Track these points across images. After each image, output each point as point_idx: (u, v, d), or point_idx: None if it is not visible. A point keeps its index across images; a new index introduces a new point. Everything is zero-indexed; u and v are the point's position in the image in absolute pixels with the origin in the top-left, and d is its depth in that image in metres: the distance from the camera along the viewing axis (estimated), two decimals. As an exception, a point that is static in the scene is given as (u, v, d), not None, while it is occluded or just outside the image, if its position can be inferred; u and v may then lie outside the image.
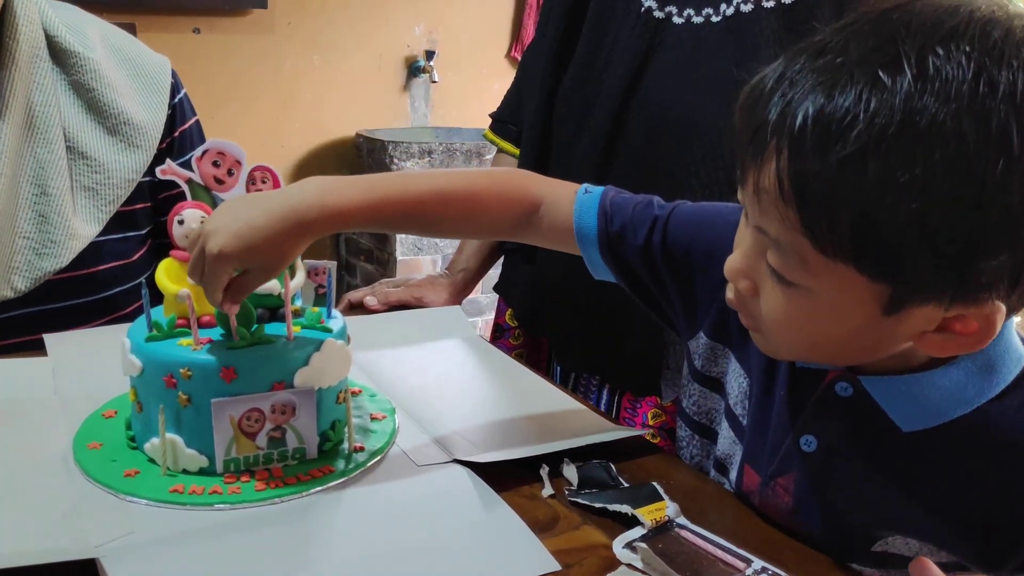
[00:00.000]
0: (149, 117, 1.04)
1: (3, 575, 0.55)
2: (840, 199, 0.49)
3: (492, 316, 1.32)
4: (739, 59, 0.92)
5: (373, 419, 0.81)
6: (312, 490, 0.69)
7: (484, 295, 2.71)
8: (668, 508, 0.68)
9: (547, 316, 1.16)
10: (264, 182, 0.75)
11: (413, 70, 2.99)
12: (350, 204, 0.69)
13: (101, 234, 1.00)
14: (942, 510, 0.60)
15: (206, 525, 0.64)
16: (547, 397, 0.91)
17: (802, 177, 0.50)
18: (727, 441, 0.75)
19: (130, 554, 0.59)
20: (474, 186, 0.75)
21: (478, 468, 0.72)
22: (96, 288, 1.02)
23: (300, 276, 0.75)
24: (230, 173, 0.74)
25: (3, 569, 0.55)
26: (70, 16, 1.02)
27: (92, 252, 1.00)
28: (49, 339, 0.93)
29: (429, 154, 2.61)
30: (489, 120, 1.28)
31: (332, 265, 0.79)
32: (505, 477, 0.72)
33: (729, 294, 0.63)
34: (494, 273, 1.29)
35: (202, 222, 0.70)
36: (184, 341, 0.71)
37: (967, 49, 0.47)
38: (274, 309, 0.75)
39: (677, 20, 0.99)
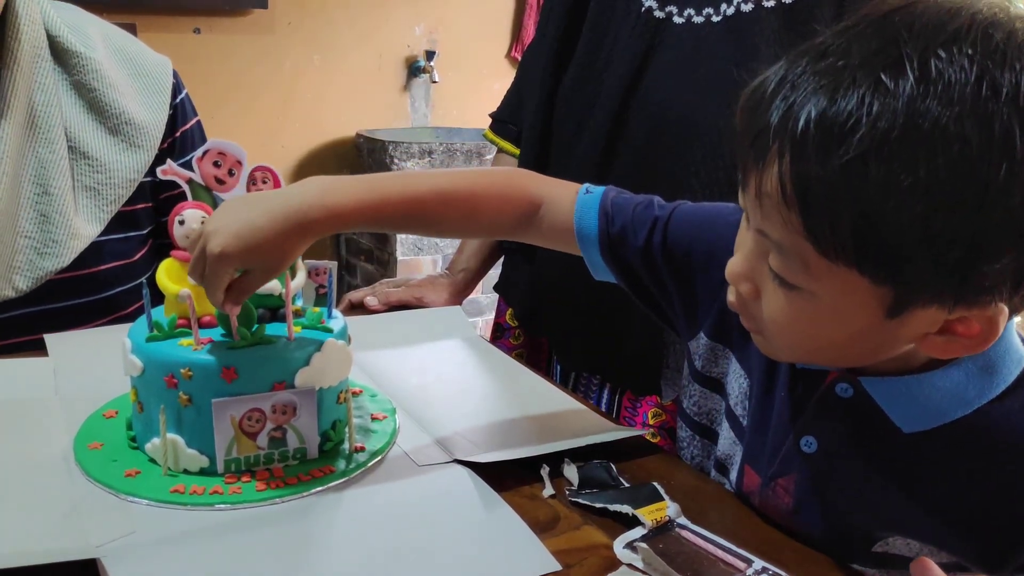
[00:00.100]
0: (150, 117, 1.04)
1: (4, 575, 0.55)
2: (843, 202, 0.49)
3: (492, 316, 1.32)
4: (739, 59, 0.92)
5: (374, 419, 0.81)
6: (313, 490, 0.69)
7: (484, 295, 2.71)
8: (669, 508, 0.68)
9: (547, 316, 1.16)
10: (265, 182, 0.75)
11: (413, 70, 2.99)
12: (351, 204, 0.69)
13: (102, 234, 1.00)
14: (942, 511, 0.60)
15: (207, 525, 0.64)
16: (547, 397, 0.91)
17: (804, 181, 0.50)
18: (727, 442, 0.75)
19: (131, 554, 0.59)
20: (475, 186, 0.75)
21: (479, 468, 0.72)
22: (97, 288, 1.02)
23: (301, 276, 0.75)
24: (231, 173, 0.74)
25: (4, 569, 0.55)
26: (71, 16, 1.02)
27: (93, 252, 1.00)
28: (50, 339, 0.93)
29: (429, 154, 2.61)
30: (489, 120, 1.28)
31: (333, 265, 0.79)
32: (506, 477, 0.72)
33: (730, 297, 0.63)
34: (494, 273, 1.29)
35: (203, 222, 0.70)
36: (185, 341, 0.71)
37: (970, 52, 0.47)
38: (275, 309, 0.75)
39: (677, 20, 0.99)
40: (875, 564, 0.65)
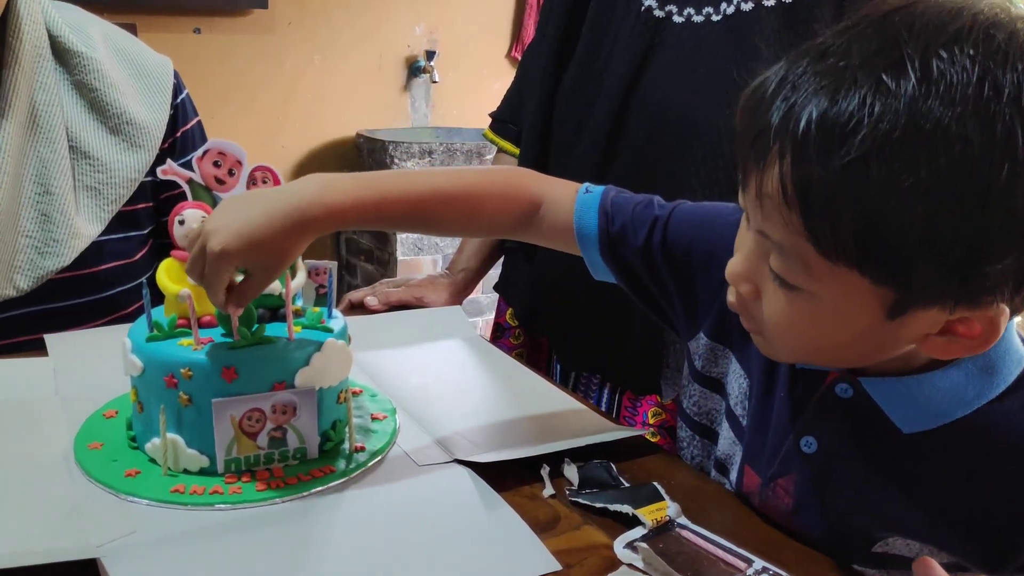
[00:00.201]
0: (151, 117, 1.04)
1: (4, 575, 0.55)
2: (844, 203, 0.49)
3: (492, 316, 1.32)
4: (739, 58, 0.91)
5: (374, 419, 0.81)
6: (313, 490, 0.69)
7: (484, 295, 2.71)
8: (669, 508, 0.68)
9: (547, 315, 1.16)
10: (265, 182, 0.75)
11: (413, 70, 2.99)
12: (350, 202, 0.69)
13: (103, 233, 1.00)
14: (942, 511, 0.60)
15: (207, 525, 0.64)
16: (547, 397, 0.91)
17: (805, 182, 0.50)
18: (727, 442, 0.75)
19: (131, 554, 0.59)
20: (475, 185, 0.75)
21: (479, 468, 0.72)
22: (98, 287, 1.02)
23: (301, 276, 0.75)
24: (231, 173, 0.74)
25: (4, 569, 0.55)
26: (73, 16, 1.02)
27: (94, 251, 1.00)
28: (50, 339, 0.94)
29: (429, 154, 2.61)
30: (489, 120, 1.28)
31: (333, 265, 0.79)
32: (506, 477, 0.72)
33: (730, 297, 0.63)
34: (494, 273, 1.29)
35: (203, 222, 0.70)
36: (185, 341, 0.71)
37: (971, 52, 0.47)
38: (275, 309, 0.75)
39: (677, 19, 0.99)
40: (875, 564, 0.64)
